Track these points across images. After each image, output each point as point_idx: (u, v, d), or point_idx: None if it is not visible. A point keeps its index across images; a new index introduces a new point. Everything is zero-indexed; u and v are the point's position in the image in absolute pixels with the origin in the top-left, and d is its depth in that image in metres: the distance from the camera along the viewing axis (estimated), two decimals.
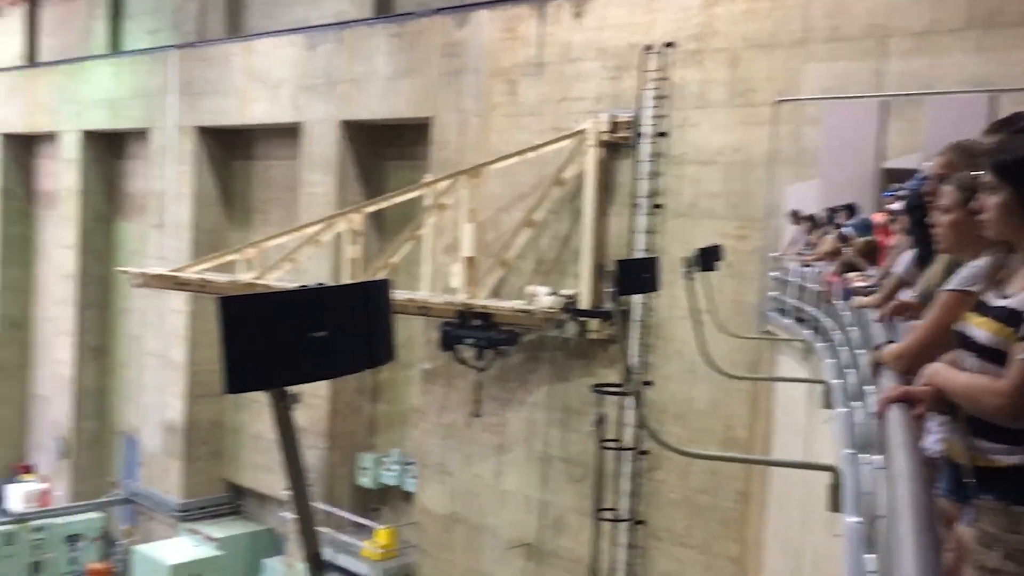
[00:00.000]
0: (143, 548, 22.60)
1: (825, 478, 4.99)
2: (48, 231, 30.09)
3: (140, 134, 25.91)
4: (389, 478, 20.29)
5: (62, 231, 28.07)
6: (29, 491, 27.05)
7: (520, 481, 17.24)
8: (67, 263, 27.70)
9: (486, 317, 16.34)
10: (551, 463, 16.82)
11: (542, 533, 16.97)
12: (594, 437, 15.73)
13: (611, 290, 6.45)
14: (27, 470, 29.69)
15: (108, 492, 26.55)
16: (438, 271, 17.66)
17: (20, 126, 30.02)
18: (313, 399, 20.18)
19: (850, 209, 10.34)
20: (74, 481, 27.48)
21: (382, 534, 19.21)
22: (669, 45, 15.06)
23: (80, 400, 27.52)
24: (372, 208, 18.66)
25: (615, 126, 15.64)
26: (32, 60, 31.18)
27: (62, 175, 28.00)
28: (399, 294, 16.59)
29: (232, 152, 24.21)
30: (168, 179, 24.33)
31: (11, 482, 28.35)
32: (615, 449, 15.69)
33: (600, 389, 15.62)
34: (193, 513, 23.48)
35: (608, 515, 15.72)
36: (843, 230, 9.35)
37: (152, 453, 24.87)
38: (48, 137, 29.40)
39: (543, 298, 16.07)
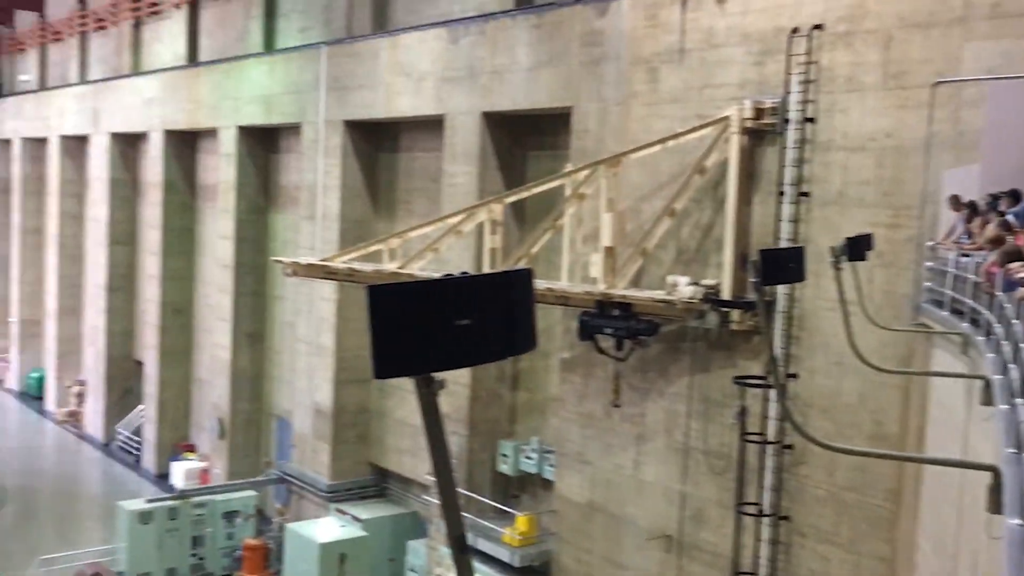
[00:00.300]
0: (295, 526, 23.59)
1: (985, 478, 4.77)
2: (208, 223, 31.76)
3: (293, 129, 26.97)
4: (528, 466, 20.49)
5: (221, 222, 29.53)
6: (190, 469, 28.71)
7: (660, 472, 17.10)
8: (225, 253, 29.13)
9: (625, 307, 16.25)
10: (691, 455, 16.62)
11: (682, 525, 16.79)
12: (736, 430, 15.45)
13: (754, 280, 6.32)
14: (190, 449, 31.47)
15: (263, 471, 27.82)
16: (577, 261, 17.67)
17: (182, 123, 31.73)
18: (454, 386, 20.55)
19: (1014, 195, 9.77)
20: (231, 460, 28.94)
21: (522, 521, 19.43)
22: (817, 27, 14.57)
23: (237, 383, 28.93)
24: (512, 198, 18.83)
25: (759, 112, 15.26)
26: (193, 60, 32.91)
27: (221, 169, 29.44)
28: (538, 283, 16.68)
29: (378, 144, 24.89)
30: (318, 172, 25.23)
31: (175, 460, 30.14)
32: (758, 443, 15.36)
33: (742, 381, 15.31)
34: (341, 494, 24.36)
35: (751, 509, 15.42)
36: (1007, 217, 8.84)
37: (303, 435, 25.89)
38: (208, 133, 30.99)
39: (684, 288, 15.86)
